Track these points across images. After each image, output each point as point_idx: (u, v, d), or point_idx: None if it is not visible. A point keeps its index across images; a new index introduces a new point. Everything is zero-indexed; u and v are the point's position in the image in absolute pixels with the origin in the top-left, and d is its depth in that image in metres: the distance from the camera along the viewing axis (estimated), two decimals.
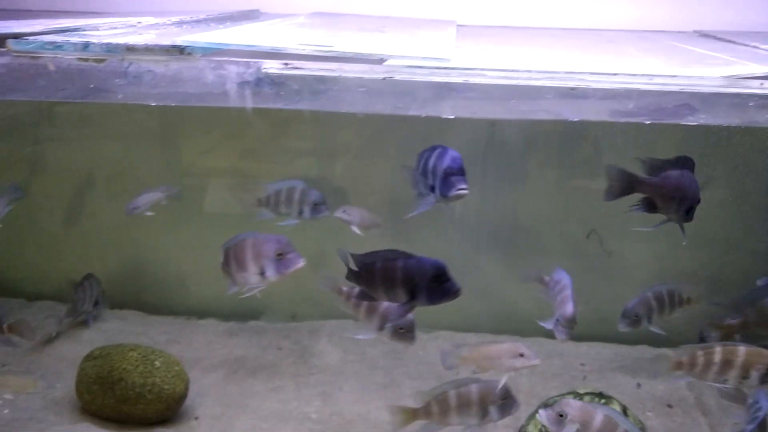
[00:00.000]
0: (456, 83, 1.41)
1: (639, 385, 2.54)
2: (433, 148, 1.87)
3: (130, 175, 2.95)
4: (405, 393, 2.48)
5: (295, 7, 2.81)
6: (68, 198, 3.03)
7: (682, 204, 1.91)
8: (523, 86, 1.37)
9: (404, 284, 1.68)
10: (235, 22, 2.42)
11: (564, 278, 2.20)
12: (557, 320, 2.06)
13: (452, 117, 1.43)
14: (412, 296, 1.69)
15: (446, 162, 1.79)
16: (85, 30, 1.76)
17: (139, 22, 2.00)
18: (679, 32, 2.64)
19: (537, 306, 2.56)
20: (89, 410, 2.26)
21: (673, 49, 2.12)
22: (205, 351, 2.73)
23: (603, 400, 2.07)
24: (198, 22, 2.28)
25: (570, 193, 2.78)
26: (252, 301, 3.00)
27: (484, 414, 1.90)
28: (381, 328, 1.98)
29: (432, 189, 1.85)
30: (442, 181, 1.79)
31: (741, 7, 2.64)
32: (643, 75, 1.33)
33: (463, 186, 1.77)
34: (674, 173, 1.93)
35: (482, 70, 1.40)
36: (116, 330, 2.83)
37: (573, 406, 1.80)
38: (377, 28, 2.21)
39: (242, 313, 3.02)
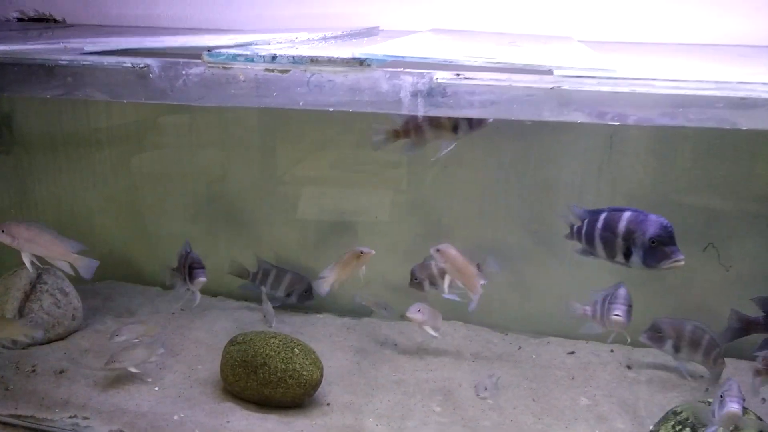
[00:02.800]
0: (623, 93, 1.48)
1: (764, 400, 2.49)
2: (619, 211, 1.91)
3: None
4: (522, 393, 2.54)
5: (412, 24, 2.90)
6: (183, 201, 3.30)
7: None
8: (692, 96, 1.43)
9: None
10: (370, 38, 2.56)
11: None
12: None
13: (616, 124, 1.49)
14: None
15: (653, 230, 1.82)
16: (258, 44, 1.94)
17: (296, 38, 2.17)
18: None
19: None
20: (232, 391, 2.45)
21: None
22: (327, 342, 2.89)
23: None
24: (336, 38, 2.44)
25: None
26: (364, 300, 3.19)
27: None
28: None
29: (624, 254, 1.88)
30: (651, 251, 1.82)
31: None
32: None
33: (680, 257, 1.80)
34: None
35: (650, 80, 1.46)
36: (245, 320, 3.04)
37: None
38: (509, 43, 2.29)
39: (356, 310, 3.17)
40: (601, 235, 2.00)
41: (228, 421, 2.32)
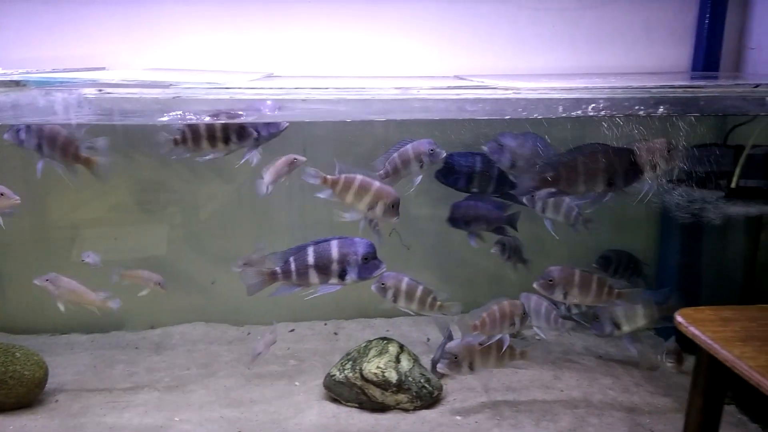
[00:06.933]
0: (226, 99, 2.04)
1: (429, 339, 3.20)
2: (325, 241, 2.31)
3: None
4: (240, 366, 2.97)
5: (136, 65, 3.26)
6: None
7: None
8: (322, 99, 2.02)
9: None
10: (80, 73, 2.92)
11: None
12: None
13: (222, 122, 2.03)
14: None
15: (364, 249, 2.29)
16: None
17: None
18: (443, 77, 3.36)
19: None
20: None
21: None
22: (67, 354, 3.09)
23: (385, 341, 2.70)
24: (44, 71, 2.77)
25: None
26: (112, 315, 3.42)
27: None
28: None
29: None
30: (363, 266, 2.29)
31: (490, 57, 3.39)
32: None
33: (384, 265, 2.33)
34: None
35: (252, 88, 2.04)
36: None
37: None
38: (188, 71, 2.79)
39: (104, 325, 3.39)
40: (316, 264, 2.28)
41: None
